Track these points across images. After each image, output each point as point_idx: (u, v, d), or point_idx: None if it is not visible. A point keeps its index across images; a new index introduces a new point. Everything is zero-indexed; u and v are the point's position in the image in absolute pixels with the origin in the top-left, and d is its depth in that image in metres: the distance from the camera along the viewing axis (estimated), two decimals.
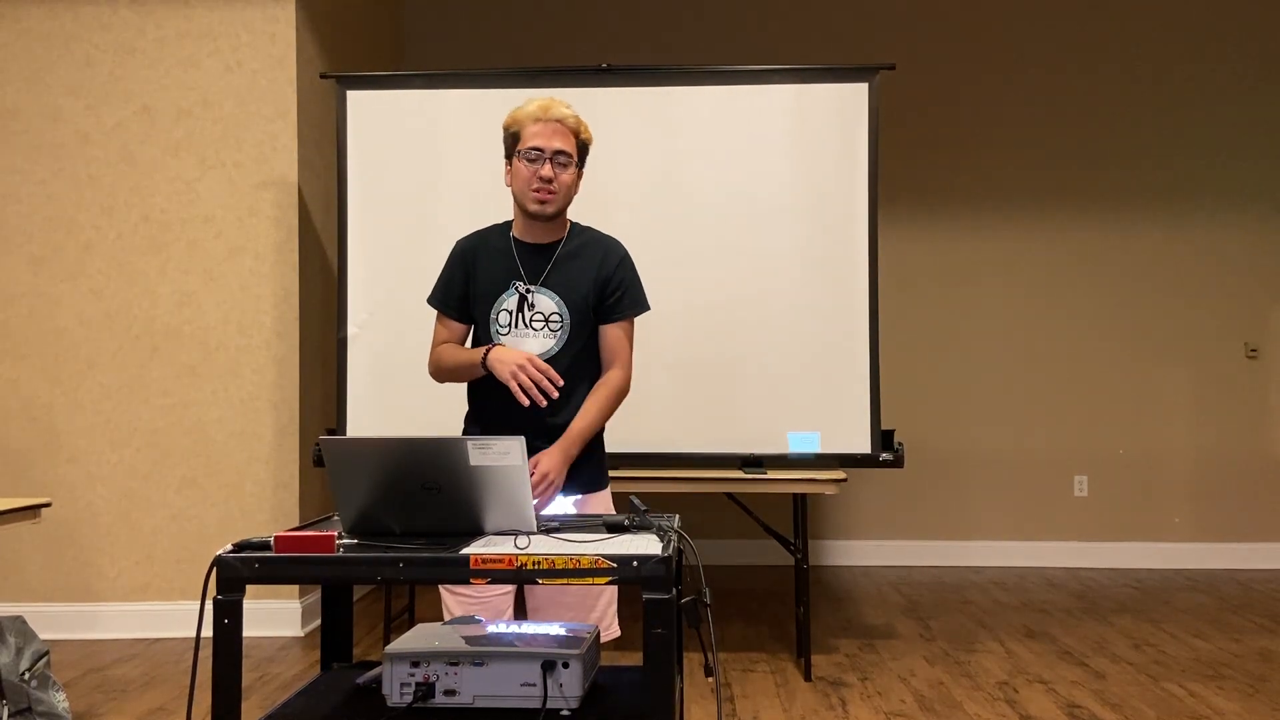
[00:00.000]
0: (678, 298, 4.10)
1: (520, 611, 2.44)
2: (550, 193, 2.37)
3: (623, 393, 2.46)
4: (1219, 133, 5.98)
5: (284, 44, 4.54)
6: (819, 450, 4.05)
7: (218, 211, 4.53)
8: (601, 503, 2.46)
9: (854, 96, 4.10)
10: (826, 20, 6.09)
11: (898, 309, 5.95)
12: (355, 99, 4.19)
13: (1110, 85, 6.01)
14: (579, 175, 2.44)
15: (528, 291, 2.41)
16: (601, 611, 2.39)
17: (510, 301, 2.42)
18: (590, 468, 2.44)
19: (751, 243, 4.13)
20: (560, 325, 2.41)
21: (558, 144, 2.38)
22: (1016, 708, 3.49)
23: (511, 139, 2.43)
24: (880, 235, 4.21)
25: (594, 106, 4.15)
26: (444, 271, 2.52)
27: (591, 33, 6.12)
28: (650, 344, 4.11)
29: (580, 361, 2.44)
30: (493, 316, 2.42)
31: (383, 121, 4.19)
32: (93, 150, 4.53)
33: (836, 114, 4.11)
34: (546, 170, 2.37)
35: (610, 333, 2.47)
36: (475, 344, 2.49)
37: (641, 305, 2.50)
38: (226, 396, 4.50)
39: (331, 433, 4.38)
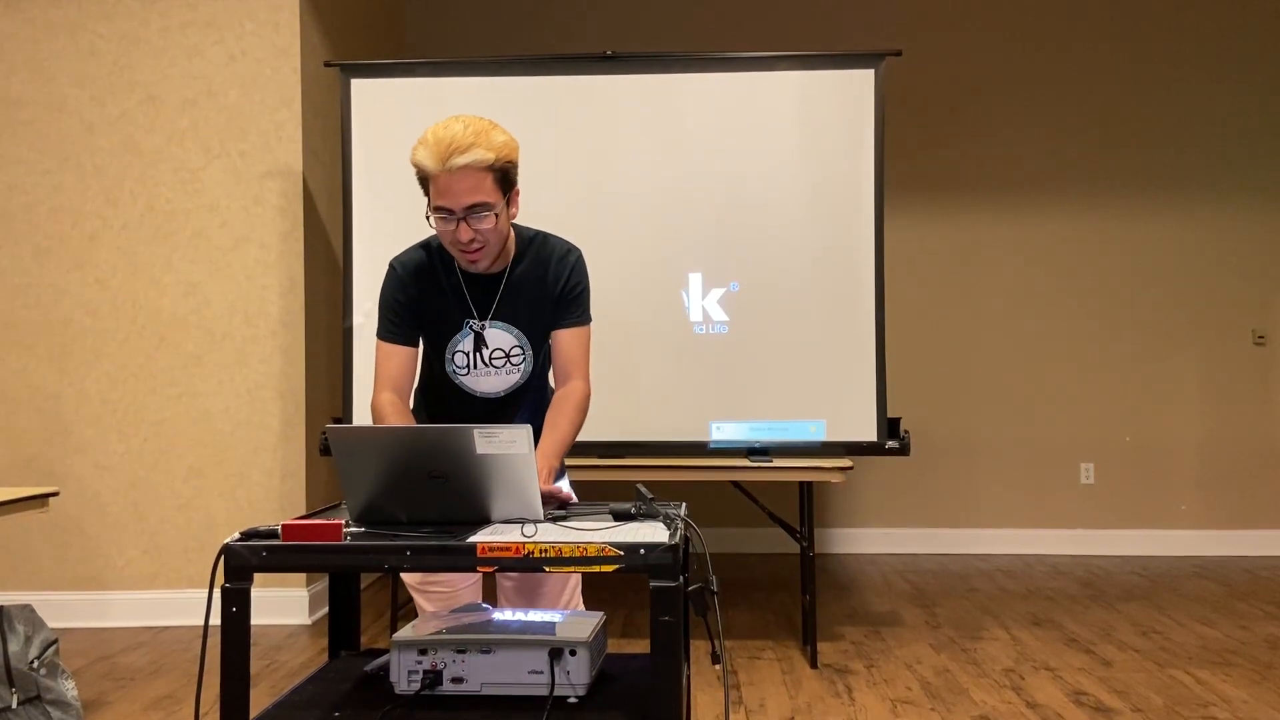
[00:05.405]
0: (682, 286, 4.10)
1: (489, 602, 2.42)
2: (476, 250, 2.13)
3: (586, 407, 2.27)
4: (1227, 120, 5.94)
5: (288, 33, 4.53)
6: (825, 438, 4.05)
7: (223, 201, 4.53)
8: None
9: (860, 83, 4.09)
10: (832, 6, 6.06)
11: (904, 297, 5.94)
12: (359, 87, 4.19)
13: (1117, 73, 5.97)
14: (512, 197, 2.16)
15: (482, 329, 2.25)
16: (570, 594, 2.38)
17: (466, 342, 2.26)
18: None
19: (757, 230, 4.12)
20: (522, 358, 2.28)
21: (468, 200, 2.06)
22: (1023, 695, 3.49)
23: (422, 182, 2.13)
24: (887, 222, 4.21)
25: (598, 94, 4.15)
26: (387, 299, 2.28)
27: (595, 20, 6.10)
28: (656, 331, 4.11)
29: (542, 385, 2.37)
30: (449, 357, 2.28)
31: (387, 110, 4.18)
32: (97, 140, 4.53)
33: (842, 100, 4.10)
34: (464, 233, 2.09)
35: (565, 340, 2.27)
36: (430, 378, 2.36)
37: (588, 314, 2.31)
38: (233, 386, 4.51)
39: (338, 421, 4.39)
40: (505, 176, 2.13)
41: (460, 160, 2.04)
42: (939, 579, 5.33)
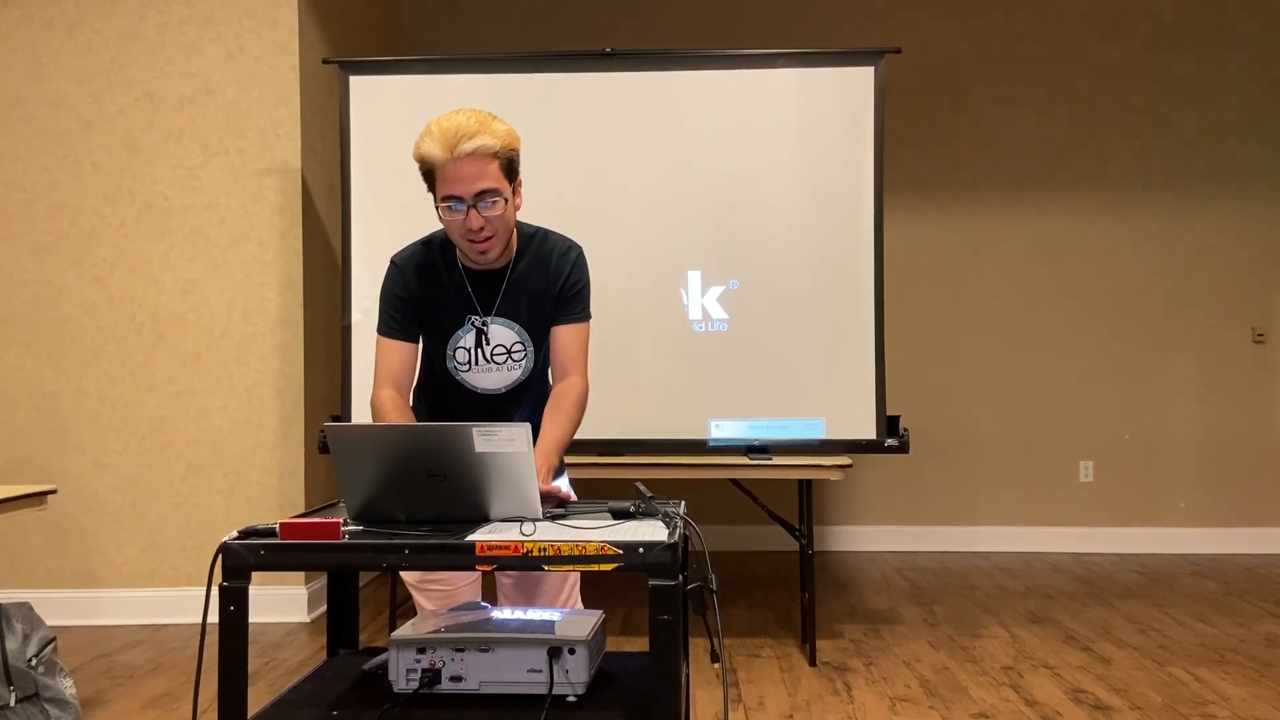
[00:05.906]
0: (682, 283, 4.09)
1: (489, 601, 2.42)
2: (487, 239, 2.14)
3: (585, 404, 2.26)
4: (1226, 118, 5.94)
5: (286, 29, 4.52)
6: (824, 436, 4.04)
7: (221, 198, 4.52)
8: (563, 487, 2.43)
9: (860, 80, 4.08)
10: (832, 4, 6.05)
11: (903, 295, 5.93)
12: (358, 84, 4.18)
13: (1117, 71, 5.97)
14: (516, 187, 2.18)
15: (484, 325, 2.25)
16: (569, 593, 2.38)
17: (467, 338, 2.26)
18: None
19: (756, 228, 4.12)
20: (524, 354, 2.28)
21: (478, 186, 2.07)
22: (1021, 692, 3.49)
23: (427, 176, 2.13)
24: (886, 220, 4.20)
25: (597, 91, 4.14)
26: (388, 294, 2.28)
27: (594, 17, 6.09)
28: (655, 329, 4.11)
29: (543, 382, 2.36)
30: (449, 353, 2.28)
31: (386, 107, 4.17)
32: (95, 138, 4.52)
33: (842, 98, 4.09)
34: (475, 220, 2.09)
35: (564, 336, 2.26)
36: (430, 374, 2.36)
37: (588, 311, 2.32)
38: (231, 384, 4.50)
39: (336, 419, 4.39)
40: (510, 165, 2.14)
41: (468, 146, 2.05)
42: (938, 577, 5.33)
